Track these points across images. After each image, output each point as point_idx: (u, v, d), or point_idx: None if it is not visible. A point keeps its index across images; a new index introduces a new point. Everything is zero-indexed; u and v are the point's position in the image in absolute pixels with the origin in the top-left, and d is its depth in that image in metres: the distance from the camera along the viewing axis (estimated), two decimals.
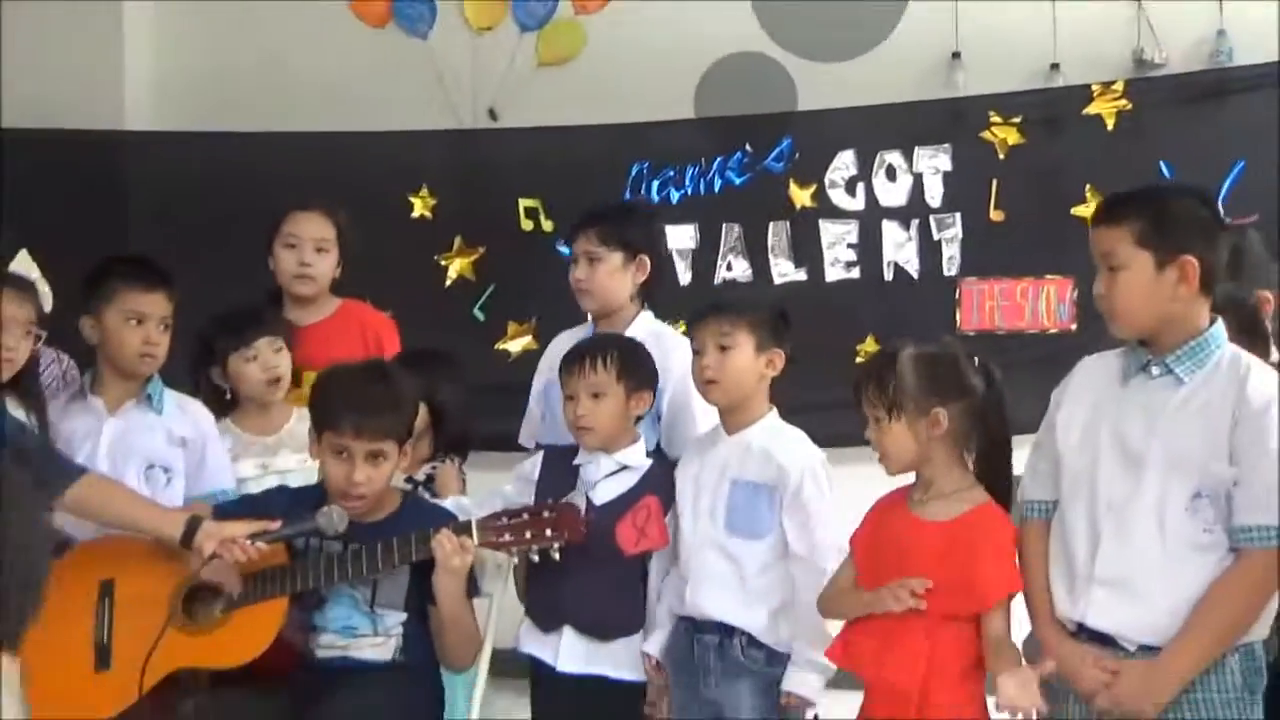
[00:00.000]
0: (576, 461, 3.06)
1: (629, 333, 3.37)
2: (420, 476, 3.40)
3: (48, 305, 3.21)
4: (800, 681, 2.84)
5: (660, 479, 3.03)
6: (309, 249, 3.71)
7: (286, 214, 3.77)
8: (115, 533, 3.12)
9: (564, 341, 3.58)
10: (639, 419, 3.07)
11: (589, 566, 2.93)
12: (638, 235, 3.46)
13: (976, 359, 2.64)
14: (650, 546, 2.96)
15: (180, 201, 4.98)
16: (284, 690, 2.91)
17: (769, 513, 2.87)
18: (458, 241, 5.06)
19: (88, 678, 2.95)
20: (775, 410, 3.00)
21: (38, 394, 3.21)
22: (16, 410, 3.10)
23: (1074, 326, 4.69)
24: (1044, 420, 2.58)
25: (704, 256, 4.92)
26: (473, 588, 3.00)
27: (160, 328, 3.28)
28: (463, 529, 2.89)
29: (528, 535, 2.86)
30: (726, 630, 2.88)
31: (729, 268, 4.92)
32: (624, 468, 3.03)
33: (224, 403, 3.46)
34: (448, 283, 5.07)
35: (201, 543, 2.89)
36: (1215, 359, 2.40)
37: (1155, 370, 2.43)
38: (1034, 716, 2.39)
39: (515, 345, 5.01)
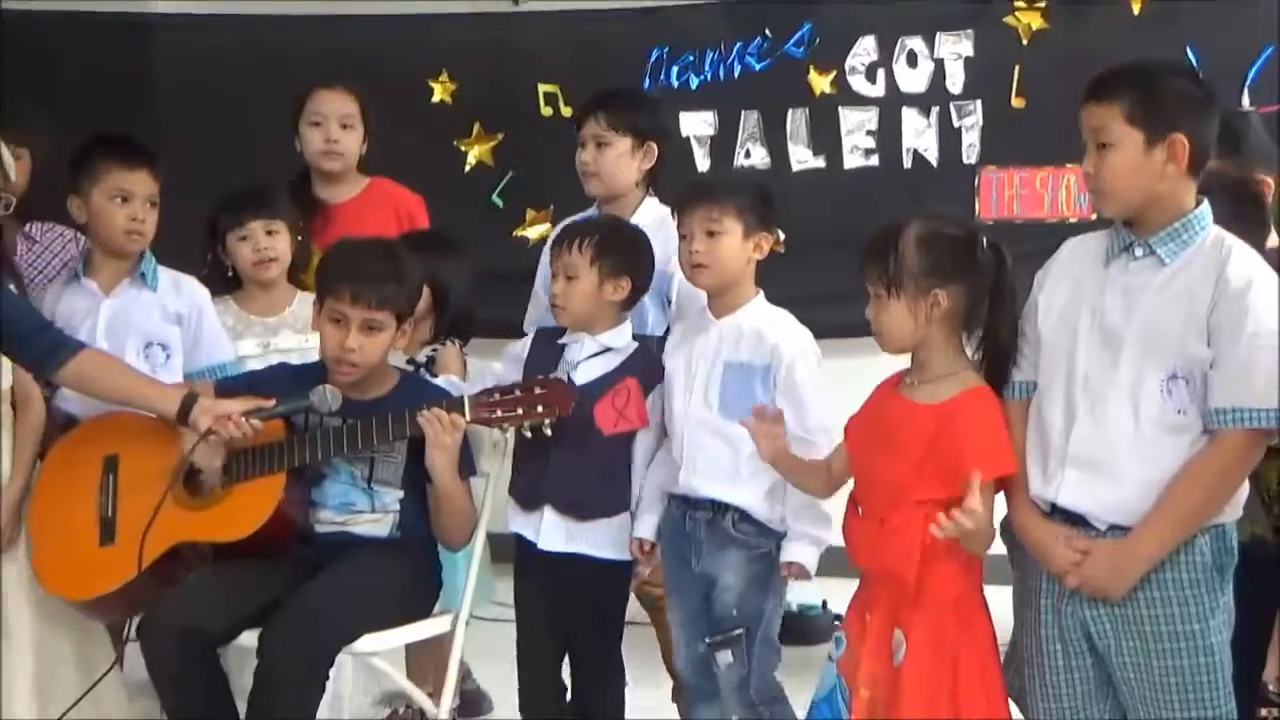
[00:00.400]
0: (561, 341, 3.09)
1: (634, 219, 3.38)
2: (421, 358, 3.43)
3: (13, 175, 3.20)
4: (799, 552, 2.88)
5: (642, 362, 3.05)
6: (334, 125, 3.78)
7: (311, 91, 3.80)
8: (118, 410, 3.18)
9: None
10: (627, 305, 3.07)
11: (569, 446, 2.95)
12: (646, 121, 3.45)
13: (986, 240, 2.58)
14: (628, 427, 2.97)
15: (203, 85, 5.00)
16: (284, 564, 2.97)
17: (762, 394, 2.88)
18: (477, 127, 5.05)
19: (93, 552, 3.03)
20: (762, 293, 2.99)
21: (8, 262, 3.26)
22: None
23: (1093, 216, 4.62)
24: (1027, 301, 2.57)
25: (722, 143, 4.88)
26: (468, 466, 3.03)
27: (146, 205, 3.31)
28: (455, 405, 2.93)
29: (519, 411, 2.89)
30: (719, 507, 2.92)
31: (747, 155, 4.89)
32: (606, 349, 3.04)
33: (228, 281, 3.49)
34: (467, 168, 5.07)
35: (197, 418, 2.94)
36: (1199, 241, 2.38)
37: (1138, 251, 2.41)
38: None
39: (533, 232, 5.01)
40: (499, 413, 2.91)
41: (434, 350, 3.43)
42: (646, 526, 3.03)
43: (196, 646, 2.84)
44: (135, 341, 3.26)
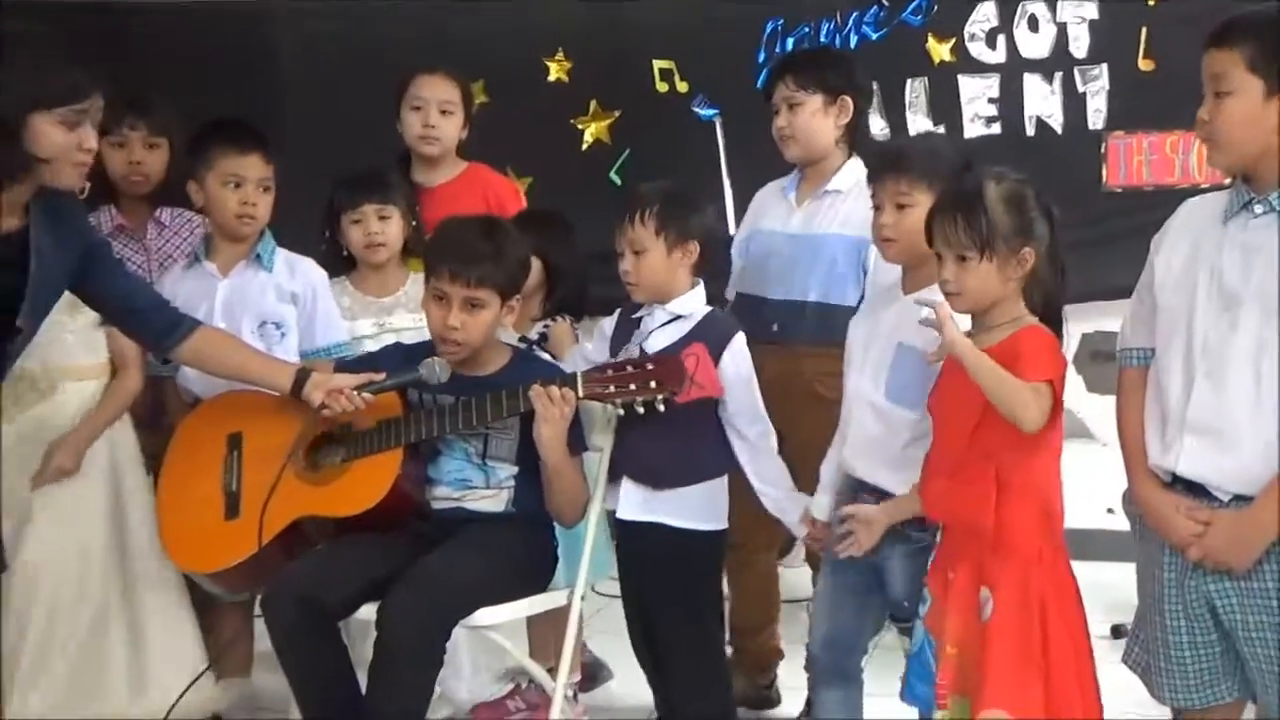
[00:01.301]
0: (636, 315, 3.08)
1: (835, 181, 3.42)
2: (533, 335, 3.44)
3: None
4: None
5: (712, 328, 3.00)
6: (434, 111, 3.81)
7: (413, 76, 3.84)
8: (241, 388, 3.25)
9: (769, 193, 3.61)
10: (699, 269, 3.03)
11: (641, 416, 2.92)
12: (836, 76, 3.48)
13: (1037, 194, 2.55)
14: (700, 394, 2.89)
15: (323, 69, 5.05)
16: (402, 539, 3.02)
17: (928, 384, 2.72)
18: (593, 105, 5.04)
19: (219, 526, 3.11)
20: None
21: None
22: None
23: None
24: (1146, 264, 2.50)
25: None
26: (579, 442, 3.05)
27: (259, 189, 3.38)
28: (568, 381, 2.94)
29: (631, 387, 2.88)
30: (886, 495, 2.79)
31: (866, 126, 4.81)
32: (676, 317, 3.01)
33: (343, 261, 3.54)
34: (584, 146, 5.07)
35: (310, 393, 3.00)
36: None
37: (1258, 209, 2.33)
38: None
39: None
40: (612, 388, 2.91)
41: (545, 327, 3.44)
42: (821, 505, 2.95)
43: (316, 618, 2.90)
44: (250, 321, 3.33)
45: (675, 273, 3.01)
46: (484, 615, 2.91)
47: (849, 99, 3.44)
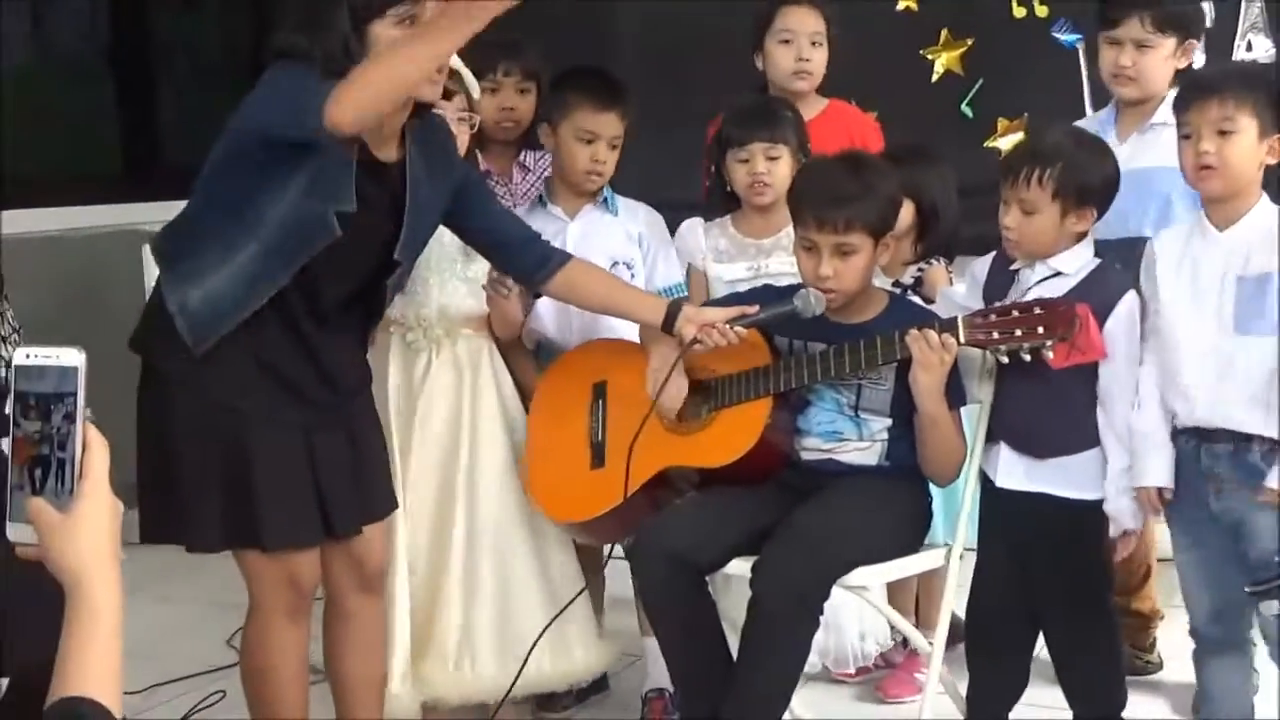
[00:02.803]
0: (1015, 266, 2.85)
1: (1160, 113, 3.20)
2: (907, 280, 3.26)
3: (476, 94, 3.25)
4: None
5: (1100, 287, 2.75)
6: (805, 43, 3.64)
7: (777, 8, 3.68)
8: (603, 338, 3.22)
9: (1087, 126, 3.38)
10: (1081, 234, 2.79)
11: (1022, 378, 2.73)
12: (1191, 19, 3.27)
13: None
14: (1081, 359, 2.68)
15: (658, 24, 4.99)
16: (771, 491, 2.91)
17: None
18: (944, 34, 4.80)
19: (585, 475, 3.07)
20: (1265, 195, 2.67)
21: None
22: None
23: None
24: None
25: (1221, 34, 4.44)
26: (957, 395, 2.87)
27: (609, 147, 3.31)
28: (948, 326, 2.76)
29: (1018, 333, 2.69)
30: (1242, 438, 2.61)
31: (1249, 47, 4.43)
32: (1057, 274, 2.77)
33: (727, 198, 3.41)
34: (934, 78, 4.84)
35: (682, 327, 2.90)
36: None
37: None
38: None
39: (1005, 142, 4.71)
40: (995, 334, 2.72)
41: (920, 270, 3.25)
42: (1161, 469, 2.70)
43: (686, 573, 2.83)
44: (602, 261, 3.23)
45: (1064, 236, 2.78)
46: (861, 575, 2.78)
47: (1195, 43, 3.20)
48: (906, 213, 3.18)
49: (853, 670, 3.52)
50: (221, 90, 5.56)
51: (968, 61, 4.80)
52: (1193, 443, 2.68)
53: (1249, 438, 2.61)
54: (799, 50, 3.62)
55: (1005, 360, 2.73)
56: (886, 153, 3.30)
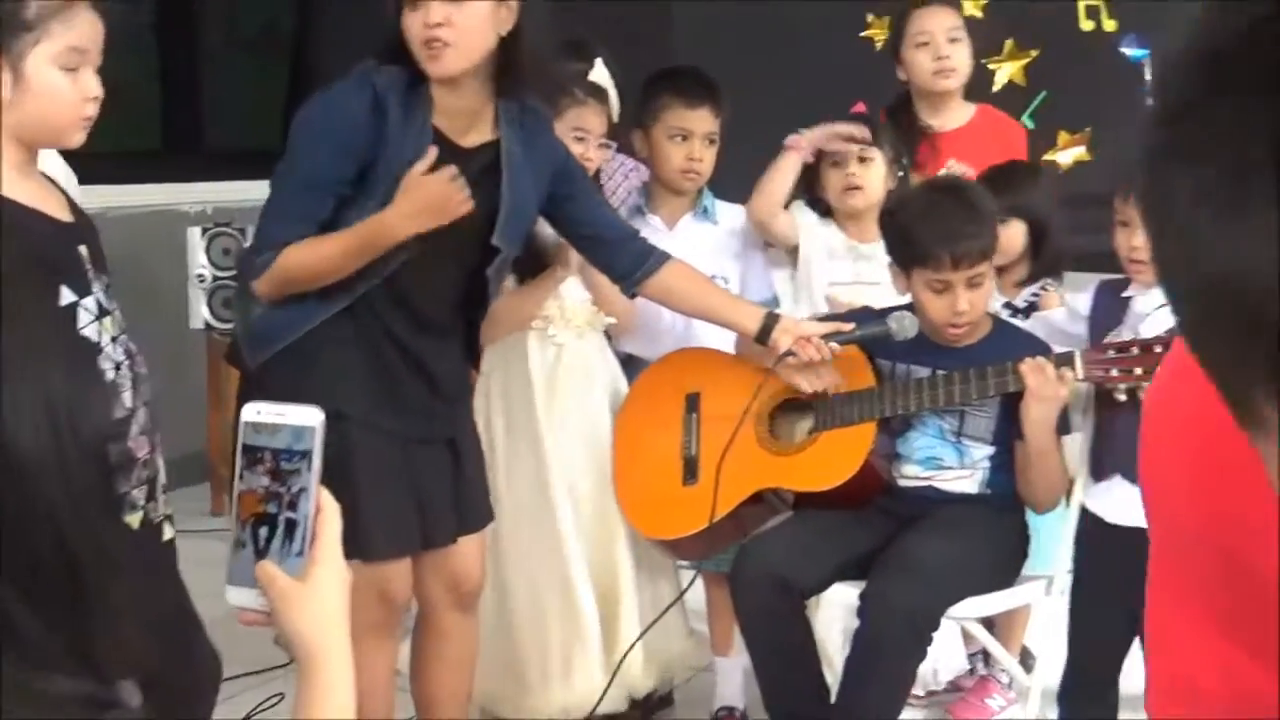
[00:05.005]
0: (1126, 294, 2.79)
1: None
2: (1020, 304, 3.21)
3: (615, 114, 3.22)
4: None
5: None
6: (943, 41, 3.52)
7: (910, 11, 3.59)
8: (694, 347, 3.16)
9: None
10: None
11: (1139, 410, 2.66)
12: None
13: None
14: None
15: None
16: (870, 517, 2.87)
17: None
18: (1009, 44, 4.76)
19: (676, 490, 3.02)
20: None
21: None
22: None
23: None
24: None
25: None
26: (1063, 423, 2.83)
27: (705, 143, 3.27)
28: (1065, 360, 2.72)
29: (1138, 372, 2.65)
30: None
31: None
32: None
33: (817, 204, 3.36)
34: (996, 88, 4.80)
35: (778, 338, 2.83)
36: None
37: None
38: None
39: (1066, 156, 4.70)
40: (1114, 371, 2.68)
41: (1035, 295, 3.19)
42: None
43: (788, 597, 2.80)
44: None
45: None
46: (968, 606, 2.75)
47: None
48: (1018, 233, 3.14)
49: (922, 693, 3.48)
50: (264, 72, 5.49)
51: (1032, 72, 4.76)
52: None
53: None
54: (936, 49, 3.51)
55: (1124, 398, 2.69)
56: (994, 171, 3.25)
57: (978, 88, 4.72)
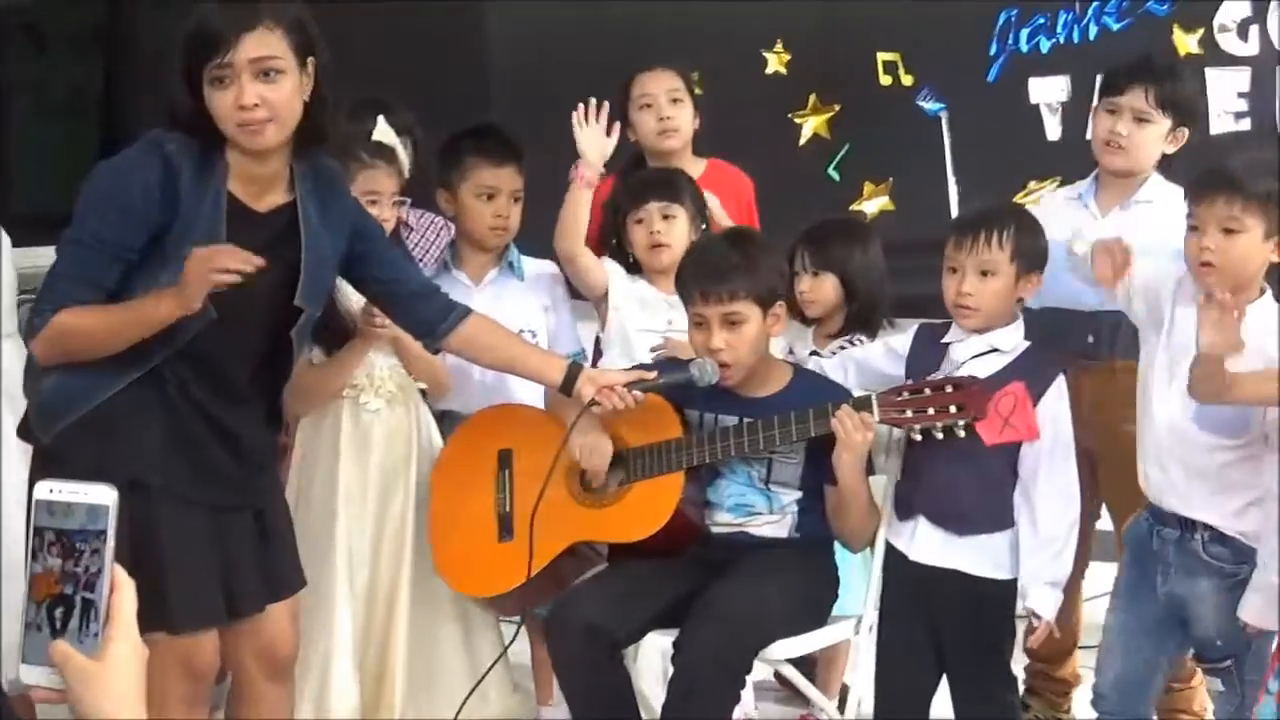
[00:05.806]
0: (945, 340, 2.88)
1: (1144, 191, 3.25)
2: (827, 354, 3.27)
3: (405, 171, 3.24)
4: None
5: (1032, 366, 2.80)
6: (664, 102, 3.65)
7: (632, 78, 3.72)
8: (505, 403, 3.20)
9: (1056, 202, 3.49)
10: (1020, 301, 2.85)
11: (948, 454, 2.75)
12: (1192, 106, 3.33)
13: None
14: (1014, 438, 2.72)
15: (535, 63, 4.97)
16: (683, 565, 2.92)
17: (1249, 409, 2.56)
18: (812, 99, 4.90)
19: (493, 548, 3.03)
20: (1270, 291, 2.67)
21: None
22: None
23: None
24: None
25: (1076, 110, 4.61)
26: (868, 465, 2.92)
27: (511, 201, 3.35)
28: (863, 404, 2.81)
29: (930, 412, 2.75)
30: (1188, 524, 2.65)
31: None
32: (993, 350, 2.81)
33: (629, 265, 3.41)
34: (802, 141, 4.93)
35: (581, 388, 2.86)
36: None
37: None
38: None
39: (871, 206, 4.84)
40: (909, 413, 2.77)
41: (843, 348, 3.28)
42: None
43: (603, 647, 2.82)
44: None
45: (1013, 303, 2.85)
46: (780, 648, 2.81)
47: (1187, 130, 3.24)
48: (830, 287, 3.24)
49: None
50: (68, 134, 5.38)
51: (835, 126, 4.90)
52: (1148, 520, 2.74)
53: (1194, 524, 2.66)
54: (659, 110, 3.64)
55: (919, 438, 2.78)
56: (811, 229, 3.35)
57: (784, 140, 4.89)
